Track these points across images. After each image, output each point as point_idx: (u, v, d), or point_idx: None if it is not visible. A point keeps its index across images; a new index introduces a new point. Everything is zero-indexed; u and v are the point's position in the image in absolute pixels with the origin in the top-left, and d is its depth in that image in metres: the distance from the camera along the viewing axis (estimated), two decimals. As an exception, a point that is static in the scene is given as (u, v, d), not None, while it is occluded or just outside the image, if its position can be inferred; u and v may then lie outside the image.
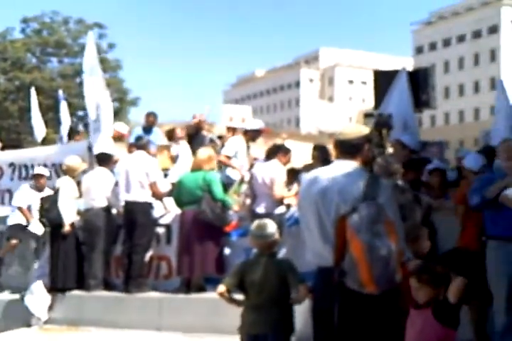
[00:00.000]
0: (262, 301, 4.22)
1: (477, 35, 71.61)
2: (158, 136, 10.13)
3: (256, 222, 4.48)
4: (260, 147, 10.15)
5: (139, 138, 8.31)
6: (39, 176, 8.92)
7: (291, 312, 4.29)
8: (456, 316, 3.79)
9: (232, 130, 10.06)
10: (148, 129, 10.14)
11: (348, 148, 3.75)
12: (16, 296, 7.90)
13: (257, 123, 9.24)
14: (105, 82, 9.35)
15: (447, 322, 3.71)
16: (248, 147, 9.00)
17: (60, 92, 15.33)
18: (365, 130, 3.84)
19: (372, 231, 3.34)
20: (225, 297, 4.34)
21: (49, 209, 7.81)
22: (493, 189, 4.91)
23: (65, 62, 38.88)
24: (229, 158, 8.70)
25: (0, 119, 35.79)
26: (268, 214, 6.88)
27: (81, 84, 10.25)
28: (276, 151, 7.50)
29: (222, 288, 4.31)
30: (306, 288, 4.08)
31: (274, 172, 7.23)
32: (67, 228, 7.68)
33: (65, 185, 7.94)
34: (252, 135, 8.94)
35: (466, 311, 5.43)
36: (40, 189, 8.85)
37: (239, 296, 4.41)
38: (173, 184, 8.34)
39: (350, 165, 3.71)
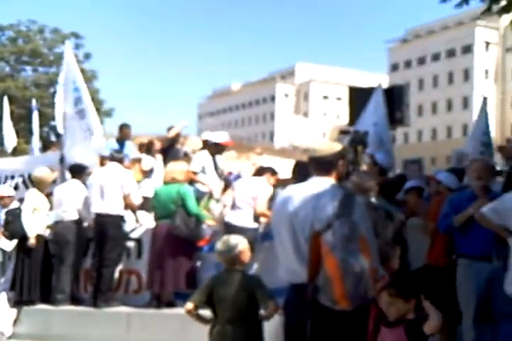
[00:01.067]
0: (230, 317, 4.17)
1: (451, 54, 72.86)
2: (130, 149, 10.03)
3: (219, 240, 4.45)
4: (233, 161, 10.12)
5: (116, 152, 8.19)
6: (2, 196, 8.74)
7: (260, 329, 4.24)
8: (427, 337, 3.79)
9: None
10: (121, 141, 10.03)
11: (322, 164, 3.77)
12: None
13: (219, 136, 9.04)
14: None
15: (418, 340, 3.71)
16: (214, 161, 8.89)
17: (34, 102, 15.16)
18: (337, 146, 3.86)
19: (347, 248, 3.35)
20: (192, 314, 4.29)
21: (12, 222, 7.69)
22: (461, 218, 4.97)
23: (40, 71, 38.56)
24: (195, 173, 8.57)
25: (-29, 127, 35.30)
26: (243, 228, 6.86)
27: (54, 94, 10.13)
28: (265, 170, 7.50)
29: (189, 305, 4.26)
30: (275, 305, 4.06)
31: (260, 188, 7.20)
32: (31, 241, 7.55)
33: (31, 197, 7.81)
34: (216, 148, 8.82)
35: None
36: (5, 206, 8.66)
37: (207, 312, 4.35)
38: (145, 197, 8.26)
39: (325, 182, 3.72)
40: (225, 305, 4.18)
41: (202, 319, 4.35)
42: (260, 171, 7.55)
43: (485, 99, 10.06)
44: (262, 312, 4.18)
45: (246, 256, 4.34)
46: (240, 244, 4.32)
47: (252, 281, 4.22)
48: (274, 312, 4.07)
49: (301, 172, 7.38)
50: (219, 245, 4.36)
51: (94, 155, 8.65)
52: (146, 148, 9.90)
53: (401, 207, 6.56)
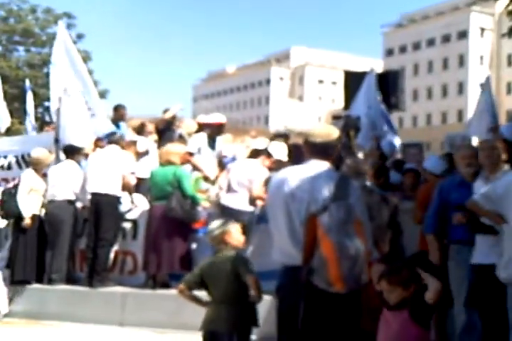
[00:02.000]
0: (221, 298, 4.24)
1: (446, 39, 72.63)
2: (125, 131, 10.01)
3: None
4: (229, 144, 10.12)
5: (112, 134, 8.18)
6: None
7: (253, 310, 4.28)
8: (431, 317, 3.85)
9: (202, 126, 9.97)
10: (116, 122, 9.99)
11: (321, 149, 3.78)
12: (-24, 288, 7.76)
13: (215, 117, 9.09)
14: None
15: (424, 323, 3.76)
16: (213, 141, 8.91)
17: (27, 82, 15.03)
18: (335, 132, 3.88)
19: (343, 231, 3.39)
20: (184, 295, 4.38)
21: (7, 202, 7.71)
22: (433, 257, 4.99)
23: (32, 51, 38.16)
24: (191, 154, 8.60)
25: (-36, 108, 35.01)
26: (239, 211, 6.89)
27: (48, 74, 10.05)
28: (259, 153, 7.50)
29: (181, 286, 4.37)
30: (254, 278, 4.11)
31: (255, 171, 7.22)
32: (27, 221, 7.57)
33: (27, 177, 7.82)
34: (213, 129, 8.84)
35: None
36: None
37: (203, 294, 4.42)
38: (140, 179, 8.27)
39: (321, 166, 3.74)
40: (216, 286, 4.26)
41: (195, 299, 4.43)
42: (255, 153, 7.55)
43: (488, 79, 9.88)
44: (251, 292, 4.21)
45: (231, 237, 4.36)
46: (228, 225, 4.40)
47: (237, 261, 4.26)
48: (254, 286, 4.11)
49: (298, 155, 7.43)
50: (209, 226, 4.48)
51: (92, 136, 8.62)
52: (138, 130, 9.88)
53: (396, 192, 6.61)
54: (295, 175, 3.76)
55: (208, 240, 4.51)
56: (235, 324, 4.20)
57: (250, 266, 4.20)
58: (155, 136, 9.83)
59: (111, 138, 7.96)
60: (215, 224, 4.45)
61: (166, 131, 9.95)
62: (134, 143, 9.17)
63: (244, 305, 4.24)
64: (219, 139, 9.00)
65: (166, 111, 10.20)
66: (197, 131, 9.34)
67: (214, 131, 8.86)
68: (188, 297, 4.40)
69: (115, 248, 7.68)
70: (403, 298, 3.76)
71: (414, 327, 3.71)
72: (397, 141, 9.30)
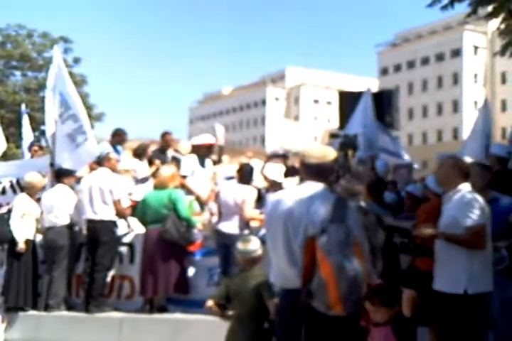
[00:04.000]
0: (241, 314, 4.43)
1: (440, 58, 73.23)
2: (122, 155, 9.97)
3: (241, 239, 4.74)
4: (225, 164, 10.12)
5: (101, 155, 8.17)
6: None
7: (270, 327, 4.36)
8: (413, 333, 3.87)
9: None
10: (114, 146, 9.94)
11: (316, 171, 3.77)
12: (-29, 316, 7.66)
13: (203, 138, 9.13)
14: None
15: (405, 338, 3.79)
16: (203, 162, 8.93)
17: (23, 106, 15.07)
18: (331, 153, 3.86)
19: (342, 253, 3.36)
20: (214, 310, 4.57)
21: (0, 227, 7.66)
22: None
23: (29, 75, 38.39)
24: (185, 177, 8.61)
25: (-40, 133, 35.06)
26: (233, 235, 6.86)
27: (44, 98, 10.10)
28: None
29: (210, 302, 4.55)
30: (274, 305, 4.18)
31: (246, 193, 7.22)
32: (21, 246, 7.51)
33: (20, 202, 7.78)
34: (201, 150, 8.89)
35: (427, 333, 5.46)
36: None
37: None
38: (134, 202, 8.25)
39: (317, 187, 3.72)
40: (237, 303, 4.46)
41: (223, 314, 4.59)
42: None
43: (486, 100, 10.03)
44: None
45: (262, 257, 4.57)
46: (260, 246, 4.57)
47: (260, 281, 4.41)
48: (273, 311, 4.21)
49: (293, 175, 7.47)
50: (241, 245, 4.60)
51: (87, 160, 8.58)
52: (138, 153, 9.86)
53: (388, 210, 6.61)
54: (291, 197, 3.74)
55: (241, 257, 4.60)
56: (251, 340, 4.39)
57: (273, 291, 4.28)
58: (157, 161, 9.80)
59: (99, 159, 7.94)
60: (254, 244, 4.56)
61: (161, 153, 9.96)
62: (128, 171, 9.10)
63: (263, 322, 4.39)
64: (208, 160, 9.02)
65: (164, 134, 10.23)
66: (190, 153, 9.39)
67: (204, 152, 8.89)
68: (217, 312, 4.59)
69: (112, 272, 7.62)
70: (389, 317, 3.77)
71: None
72: (404, 157, 9.48)
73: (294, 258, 3.62)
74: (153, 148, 10.23)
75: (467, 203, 4.46)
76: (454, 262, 4.33)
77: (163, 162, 9.50)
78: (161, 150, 10.08)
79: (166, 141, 10.14)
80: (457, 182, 4.64)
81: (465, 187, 4.62)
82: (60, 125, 8.62)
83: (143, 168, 9.52)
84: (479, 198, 4.51)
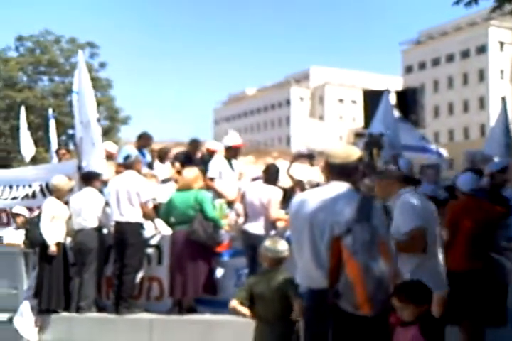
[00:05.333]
0: (267, 315, 4.44)
1: (466, 54, 72.39)
2: (148, 158, 10.04)
3: (269, 238, 4.81)
4: (251, 165, 10.16)
5: (126, 157, 8.26)
6: (16, 215, 8.85)
7: (297, 327, 4.38)
8: (442, 334, 3.81)
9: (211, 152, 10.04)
10: (140, 150, 10.03)
11: (340, 170, 3.76)
12: (5, 318, 7.80)
13: (230, 140, 9.20)
14: (96, 101, 9.26)
15: (433, 339, 3.73)
16: (231, 164, 8.98)
17: (50, 111, 15.27)
18: (355, 152, 3.86)
19: (368, 252, 3.36)
20: (237, 310, 4.57)
21: (31, 231, 7.78)
22: None
23: (56, 80, 38.91)
24: (212, 179, 8.67)
25: (-10, 138, 35.68)
26: (260, 235, 6.88)
27: (71, 102, 10.23)
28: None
29: (234, 302, 4.55)
30: (299, 303, 4.17)
31: (271, 193, 7.23)
32: (52, 248, 7.61)
33: (49, 205, 7.90)
34: (229, 152, 8.98)
35: (457, 333, 5.43)
36: (18, 227, 8.76)
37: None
38: (157, 204, 8.33)
39: (341, 187, 3.72)
40: (262, 304, 4.46)
41: (247, 314, 4.59)
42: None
43: (503, 99, 10.01)
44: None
45: (287, 259, 4.59)
46: (288, 249, 4.57)
47: (285, 281, 4.42)
48: (299, 310, 4.20)
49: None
50: (270, 243, 4.62)
51: (102, 164, 8.65)
52: (159, 156, 9.95)
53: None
54: (316, 198, 3.74)
55: (269, 256, 4.62)
56: None
57: (298, 290, 4.26)
58: (177, 163, 9.88)
59: (126, 162, 8.02)
60: (282, 245, 4.59)
61: (192, 157, 10.04)
62: (155, 176, 9.19)
63: (288, 323, 4.39)
64: (235, 161, 9.08)
65: (193, 141, 10.30)
66: (207, 156, 9.51)
67: (231, 154, 8.95)
68: (240, 312, 4.59)
69: (141, 274, 7.70)
70: (416, 315, 3.72)
71: None
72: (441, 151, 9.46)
73: (320, 259, 3.62)
74: (176, 150, 10.28)
75: (402, 208, 4.49)
76: (402, 268, 4.30)
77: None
78: (187, 155, 10.12)
79: (143, 142, 10.03)
80: (395, 188, 4.65)
81: (404, 192, 4.61)
82: (85, 128, 8.73)
83: (164, 170, 9.59)
84: (418, 201, 4.50)
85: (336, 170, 3.78)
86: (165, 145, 12.68)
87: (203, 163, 9.29)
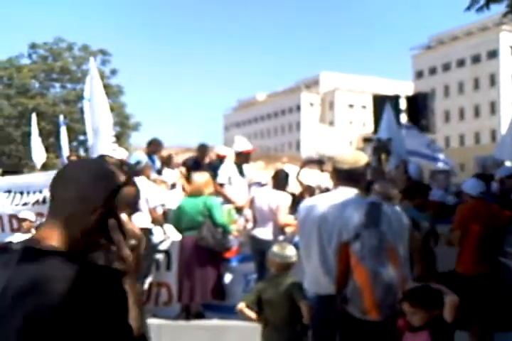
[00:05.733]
0: (274, 320, 4.44)
1: (476, 59, 72.19)
2: (158, 164, 10.08)
3: (277, 243, 4.82)
4: (261, 171, 10.16)
5: (137, 163, 8.27)
6: (22, 220, 8.89)
7: (305, 332, 4.38)
8: (451, 339, 3.78)
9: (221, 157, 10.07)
10: (150, 156, 10.06)
11: (348, 176, 3.76)
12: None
13: (240, 145, 9.22)
14: (108, 107, 9.30)
15: None
16: (241, 170, 9.00)
17: (61, 118, 15.37)
18: (363, 158, 3.86)
19: (376, 258, 3.35)
20: (244, 313, 4.58)
21: None
22: None
23: (68, 87, 39.21)
24: (222, 185, 8.68)
25: (3, 144, 35.94)
26: (269, 241, 6.87)
27: (82, 109, 10.32)
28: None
29: (241, 304, 4.57)
30: (307, 304, 4.19)
31: (280, 199, 7.22)
32: None
33: None
34: (239, 157, 9.00)
35: (466, 338, 5.40)
36: (25, 231, 8.80)
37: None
38: (167, 210, 8.33)
39: (349, 193, 3.72)
40: (270, 308, 4.46)
41: (253, 318, 4.61)
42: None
43: None
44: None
45: (295, 263, 4.60)
46: (296, 254, 4.57)
47: (293, 285, 4.42)
48: (307, 313, 4.20)
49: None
50: (278, 249, 4.62)
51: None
52: (166, 161, 9.98)
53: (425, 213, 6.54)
54: (324, 203, 3.74)
55: (270, 262, 4.64)
56: None
57: (305, 293, 4.29)
58: (182, 168, 9.91)
59: (137, 169, 8.04)
60: (291, 250, 4.59)
61: (200, 162, 10.07)
62: (165, 182, 9.22)
63: (297, 327, 4.40)
64: (246, 167, 9.08)
65: (201, 146, 10.32)
66: (216, 161, 9.53)
67: (241, 159, 8.97)
68: (247, 315, 4.61)
69: (149, 280, 7.70)
70: (426, 320, 3.68)
71: None
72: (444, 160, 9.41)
73: (328, 265, 3.62)
74: (185, 155, 10.32)
75: None
76: None
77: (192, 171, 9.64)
78: (195, 161, 10.15)
79: (153, 148, 10.04)
80: None
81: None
82: (96, 135, 8.77)
83: (170, 176, 9.61)
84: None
85: (343, 176, 3.78)
86: (175, 151, 12.71)
87: (213, 169, 9.30)
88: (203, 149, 10.32)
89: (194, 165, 9.91)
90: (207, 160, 10.29)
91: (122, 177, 1.59)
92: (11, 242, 1.66)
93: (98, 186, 1.54)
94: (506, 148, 8.83)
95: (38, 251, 1.47)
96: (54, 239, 1.51)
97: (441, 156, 9.93)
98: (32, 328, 1.40)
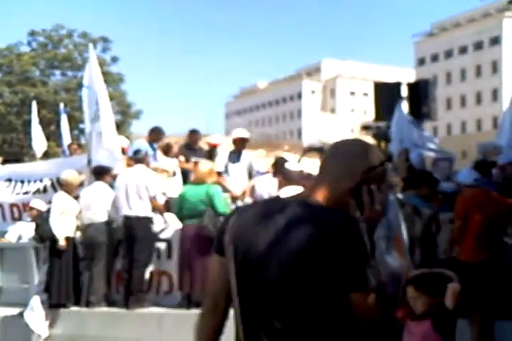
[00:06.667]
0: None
1: (479, 46, 71.79)
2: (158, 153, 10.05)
3: None
4: (262, 158, 10.14)
5: (136, 152, 8.25)
6: (31, 208, 8.90)
7: None
8: (454, 328, 3.76)
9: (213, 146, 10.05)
10: (151, 144, 10.02)
11: None
12: (16, 312, 7.84)
13: (234, 133, 9.28)
14: (108, 95, 9.25)
15: (446, 334, 3.68)
16: (239, 156, 9.01)
17: (61, 106, 15.31)
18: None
19: (384, 247, 3.33)
20: None
21: (41, 225, 7.80)
22: None
23: (69, 75, 39.05)
24: (219, 174, 8.66)
25: (4, 132, 35.88)
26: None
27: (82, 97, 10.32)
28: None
29: None
30: None
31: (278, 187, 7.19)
32: (61, 243, 7.61)
33: (58, 200, 7.90)
34: (235, 144, 9.05)
35: (466, 326, 5.39)
36: (32, 219, 8.81)
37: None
38: (168, 198, 8.31)
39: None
40: None
41: None
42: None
43: None
44: None
45: None
46: None
47: None
48: None
49: None
50: None
51: (112, 158, 8.64)
52: (164, 150, 9.94)
53: (428, 202, 6.52)
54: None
55: None
56: None
57: None
58: (182, 157, 9.88)
59: (136, 157, 8.01)
60: None
61: (185, 149, 10.06)
62: (167, 170, 9.20)
63: None
64: (245, 154, 9.07)
65: (192, 131, 10.29)
66: (209, 151, 9.53)
67: (237, 146, 9.00)
68: None
69: (150, 268, 7.69)
70: (429, 306, 3.67)
71: (437, 338, 3.63)
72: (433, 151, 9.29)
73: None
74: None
75: None
76: None
77: (188, 158, 9.63)
78: (187, 147, 10.14)
79: (154, 137, 9.97)
80: None
81: None
82: (94, 123, 8.73)
83: (170, 165, 9.59)
84: None
85: None
86: (176, 139, 12.66)
87: (206, 157, 9.37)
88: (193, 135, 10.28)
89: (188, 151, 9.92)
90: (198, 145, 10.28)
91: (379, 158, 2.02)
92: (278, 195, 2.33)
93: (359, 163, 1.98)
94: (503, 134, 8.80)
95: (308, 203, 1.94)
96: (320, 196, 1.96)
97: (432, 145, 9.83)
98: (299, 260, 1.83)
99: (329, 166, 2.02)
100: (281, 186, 5.47)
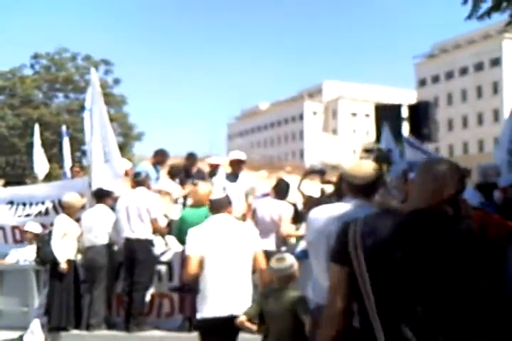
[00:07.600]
0: (276, 332, 4.38)
1: (479, 67, 72.24)
2: (161, 175, 10.07)
3: (274, 257, 4.67)
4: (264, 180, 10.15)
5: (137, 174, 8.27)
6: (25, 231, 8.91)
7: None
8: None
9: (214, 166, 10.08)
10: (155, 166, 10.03)
11: (362, 189, 3.76)
12: (16, 336, 7.78)
13: (231, 154, 9.34)
14: (109, 117, 9.30)
15: None
16: (235, 178, 9.03)
17: (64, 128, 15.38)
18: (375, 168, 3.84)
19: None
20: (244, 326, 4.53)
21: (42, 248, 7.79)
22: None
23: (71, 97, 39.29)
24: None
25: (7, 154, 35.97)
26: (272, 251, 6.83)
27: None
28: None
29: (242, 317, 4.52)
30: (310, 321, 4.11)
31: (282, 209, 7.19)
32: (63, 266, 7.61)
33: (60, 222, 7.91)
34: (233, 166, 9.09)
35: None
36: (29, 242, 8.81)
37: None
38: (170, 221, 8.30)
39: (360, 203, 3.71)
40: (272, 321, 4.41)
41: (254, 330, 4.57)
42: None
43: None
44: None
45: (296, 275, 4.55)
46: (295, 263, 4.54)
47: (296, 299, 4.37)
48: (309, 328, 4.13)
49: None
50: (274, 263, 4.57)
51: (115, 180, 8.67)
52: (171, 173, 9.96)
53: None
54: (334, 214, 3.71)
55: (275, 276, 4.59)
56: None
57: (308, 306, 4.23)
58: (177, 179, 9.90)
59: (137, 179, 8.03)
60: (288, 261, 4.54)
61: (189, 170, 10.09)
62: (169, 193, 9.21)
63: (299, 339, 4.32)
64: (242, 174, 9.14)
65: (190, 155, 10.32)
66: (210, 172, 9.57)
67: (235, 168, 9.06)
68: (247, 328, 4.56)
69: (152, 291, 7.66)
70: None
71: None
72: None
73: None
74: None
75: None
76: None
77: (184, 182, 9.66)
78: (185, 170, 10.17)
79: (158, 159, 9.99)
80: None
81: None
82: (95, 145, 8.77)
83: (177, 188, 9.60)
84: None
85: (356, 189, 3.77)
86: (179, 160, 12.67)
87: (203, 178, 9.40)
88: (191, 158, 10.32)
89: (183, 174, 9.95)
90: (194, 169, 10.30)
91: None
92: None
93: (453, 177, 2.42)
94: (499, 153, 8.80)
95: (419, 210, 2.34)
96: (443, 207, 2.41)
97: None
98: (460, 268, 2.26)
99: (426, 181, 2.41)
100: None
